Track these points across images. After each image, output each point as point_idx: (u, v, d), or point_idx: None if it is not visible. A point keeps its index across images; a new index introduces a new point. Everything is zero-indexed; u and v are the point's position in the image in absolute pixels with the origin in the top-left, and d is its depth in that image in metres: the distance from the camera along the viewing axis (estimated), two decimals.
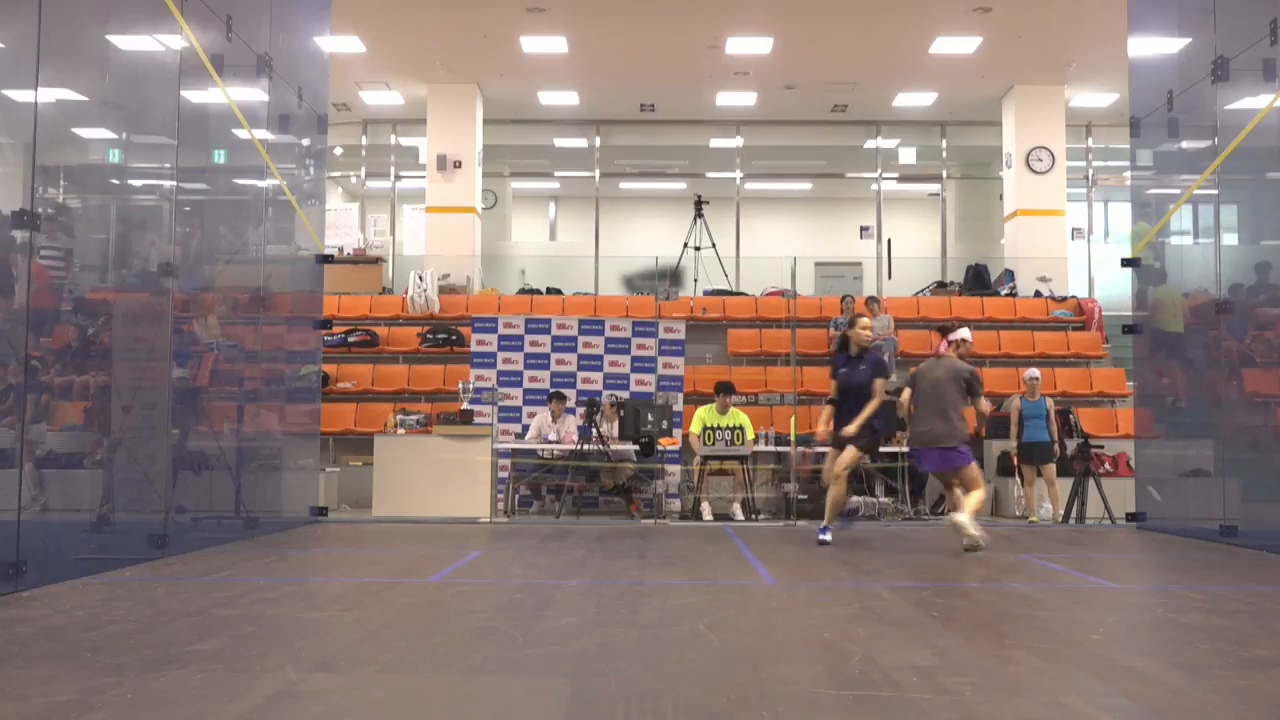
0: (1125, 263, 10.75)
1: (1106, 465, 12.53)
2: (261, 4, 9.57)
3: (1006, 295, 17.05)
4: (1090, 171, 19.39)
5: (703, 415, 12.02)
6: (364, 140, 19.59)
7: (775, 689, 3.68)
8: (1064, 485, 11.68)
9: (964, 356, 9.01)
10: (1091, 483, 11.51)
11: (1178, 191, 10.42)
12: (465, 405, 12.04)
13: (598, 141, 19.67)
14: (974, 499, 8.20)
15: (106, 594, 5.72)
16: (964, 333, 9.47)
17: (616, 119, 19.32)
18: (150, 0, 7.81)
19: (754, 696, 3.57)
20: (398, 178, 19.53)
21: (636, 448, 11.14)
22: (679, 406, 12.32)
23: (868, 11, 14.16)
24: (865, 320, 8.81)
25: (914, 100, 18.07)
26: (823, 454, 9.32)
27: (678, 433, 11.92)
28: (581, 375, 12.60)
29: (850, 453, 8.44)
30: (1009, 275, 17.58)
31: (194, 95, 8.54)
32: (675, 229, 17.70)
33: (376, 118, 19.22)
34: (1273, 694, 3.71)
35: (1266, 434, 9.29)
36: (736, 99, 17.99)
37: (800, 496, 11.34)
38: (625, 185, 21.79)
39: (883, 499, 11.88)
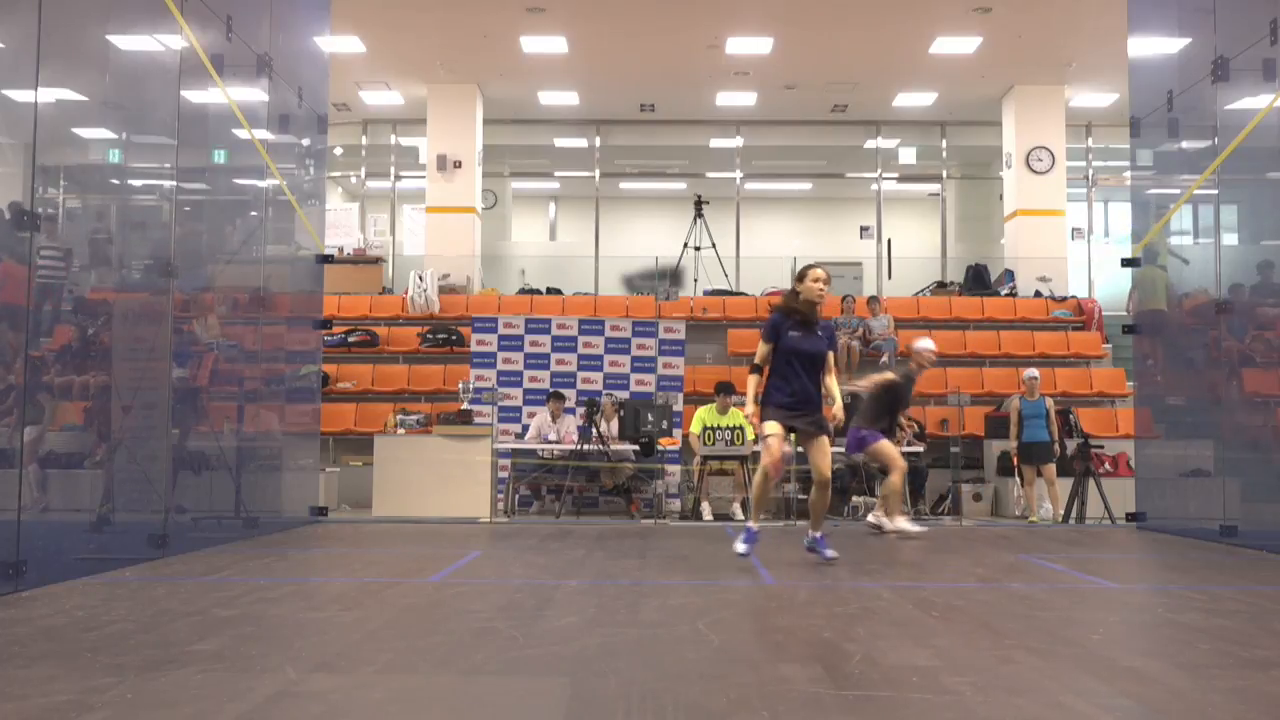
0: (1125, 262, 10.77)
1: (1106, 465, 12.53)
2: (261, 4, 9.57)
3: (1006, 295, 17.05)
4: (1090, 171, 19.38)
5: (703, 415, 12.02)
6: (364, 140, 19.59)
7: (775, 689, 3.67)
8: (1064, 485, 11.68)
9: (921, 367, 9.61)
10: (1091, 483, 11.51)
11: (1178, 191, 10.42)
12: (465, 405, 12.05)
13: (598, 141, 19.67)
14: (894, 482, 9.12)
15: (106, 594, 5.72)
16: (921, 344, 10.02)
17: (616, 119, 19.31)
18: (150, 0, 7.81)
19: (754, 696, 3.56)
20: (398, 178, 19.53)
21: (636, 448, 11.14)
22: (679, 406, 12.32)
23: (868, 11, 14.16)
24: (817, 272, 7.19)
25: (914, 100, 18.07)
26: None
27: (678, 433, 11.93)
28: (581, 375, 12.60)
29: (826, 445, 7.13)
30: (1009, 275, 17.58)
31: (194, 95, 8.53)
32: (675, 229, 17.71)
33: (376, 118, 19.21)
34: (1273, 694, 3.71)
35: (1266, 434, 9.29)
36: (736, 99, 17.98)
37: (800, 496, 11.33)
38: (625, 185, 21.78)
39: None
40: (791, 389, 7.06)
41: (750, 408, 7.12)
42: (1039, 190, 17.51)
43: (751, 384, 7.16)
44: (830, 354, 7.20)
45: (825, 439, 7.11)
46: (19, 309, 6.36)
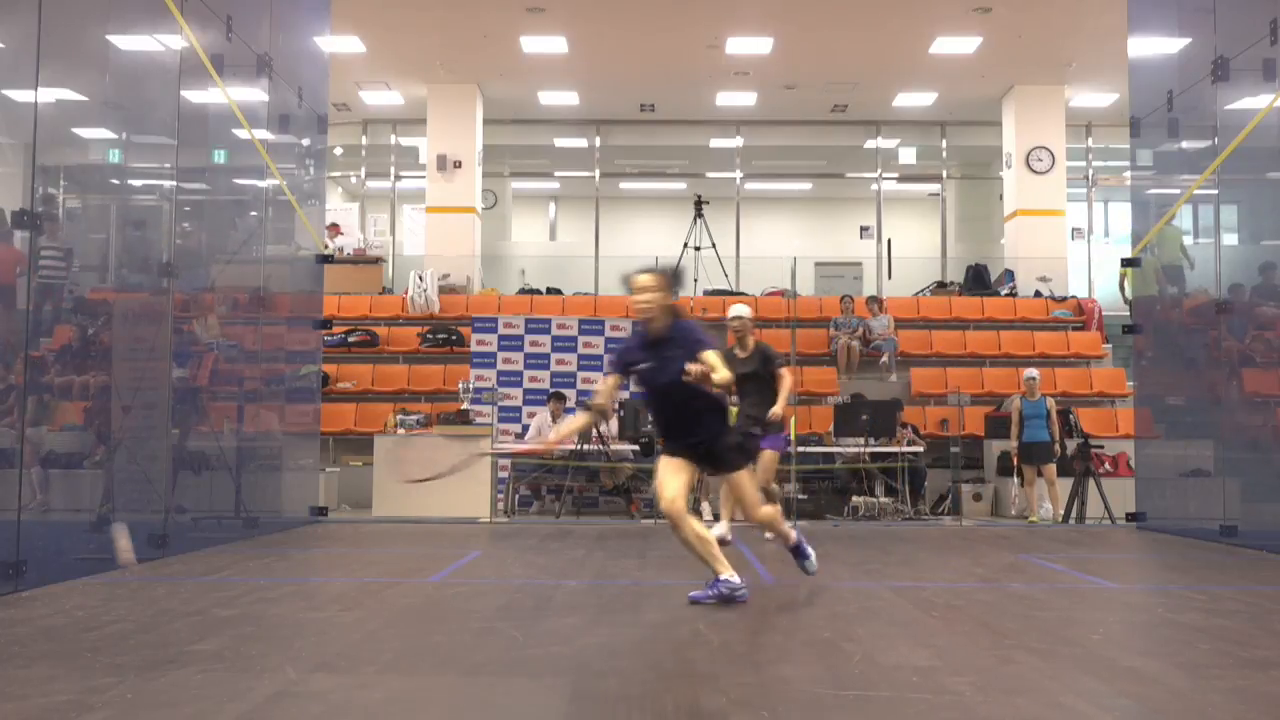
0: (1125, 262, 10.77)
1: (1106, 465, 12.53)
2: (261, 4, 9.58)
3: (1006, 295, 17.05)
4: (1090, 171, 19.38)
5: None
6: (364, 140, 19.58)
7: (775, 689, 3.67)
8: (1064, 485, 11.68)
9: (738, 332, 8.34)
10: (1091, 483, 11.51)
11: (1178, 191, 10.43)
12: (465, 405, 12.04)
13: (598, 141, 19.66)
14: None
15: (106, 594, 5.72)
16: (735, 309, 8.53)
17: (616, 119, 19.31)
18: (150, 0, 7.81)
19: (754, 696, 3.56)
20: (398, 178, 19.52)
21: (636, 448, 11.14)
22: None
23: (868, 11, 14.16)
24: (642, 279, 5.59)
25: (914, 100, 18.06)
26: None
27: None
28: (582, 375, 12.60)
29: (741, 480, 5.79)
30: (1009, 275, 17.57)
31: (194, 95, 8.54)
32: (675, 229, 17.69)
33: (376, 118, 19.21)
34: (1273, 694, 3.71)
35: (1266, 434, 9.29)
36: (736, 99, 17.98)
37: (800, 496, 11.34)
38: (625, 185, 21.78)
39: (883, 499, 11.86)
40: (666, 424, 5.71)
41: (553, 436, 5.51)
42: (1039, 190, 17.51)
43: (566, 424, 5.90)
44: (707, 353, 5.40)
45: (741, 475, 5.77)
46: (8, 289, 6.35)
